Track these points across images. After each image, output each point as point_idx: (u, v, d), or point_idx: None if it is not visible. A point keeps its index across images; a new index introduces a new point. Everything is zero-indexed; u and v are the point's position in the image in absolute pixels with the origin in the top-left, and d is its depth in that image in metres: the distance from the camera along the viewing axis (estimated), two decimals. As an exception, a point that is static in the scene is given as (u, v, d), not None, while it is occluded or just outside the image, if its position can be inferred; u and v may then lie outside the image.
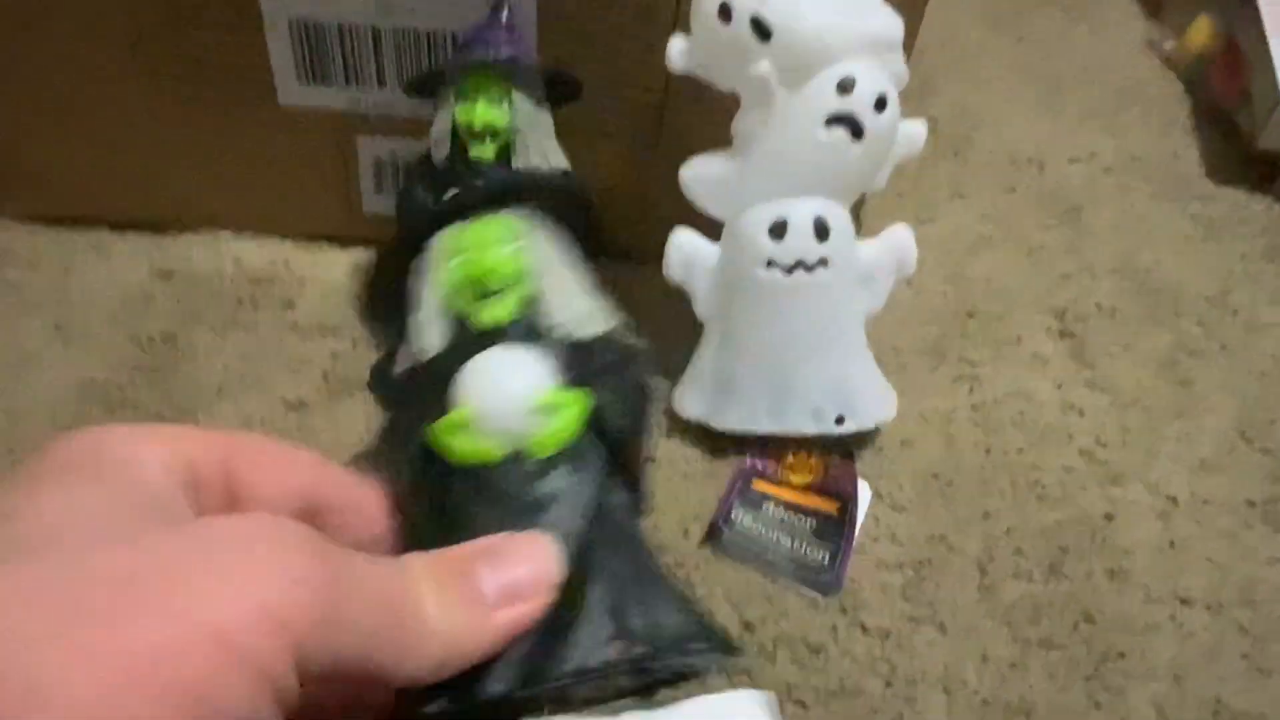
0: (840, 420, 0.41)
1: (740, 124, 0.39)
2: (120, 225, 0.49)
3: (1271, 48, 0.57)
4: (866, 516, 0.40)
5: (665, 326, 0.45)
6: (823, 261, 0.39)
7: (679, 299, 0.42)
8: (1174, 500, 0.42)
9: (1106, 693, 0.36)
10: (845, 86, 0.37)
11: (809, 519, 0.40)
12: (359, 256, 0.49)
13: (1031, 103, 0.62)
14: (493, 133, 0.39)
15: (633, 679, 0.23)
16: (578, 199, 0.29)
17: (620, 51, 0.43)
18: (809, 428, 0.41)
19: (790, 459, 0.41)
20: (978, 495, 0.42)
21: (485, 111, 0.39)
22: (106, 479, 0.20)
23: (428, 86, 0.40)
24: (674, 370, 0.43)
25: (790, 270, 0.39)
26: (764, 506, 0.40)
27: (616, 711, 0.23)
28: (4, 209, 0.49)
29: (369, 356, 0.43)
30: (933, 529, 0.41)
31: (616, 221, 0.46)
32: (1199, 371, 0.48)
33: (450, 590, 0.21)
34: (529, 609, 0.22)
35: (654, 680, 0.24)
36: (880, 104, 0.38)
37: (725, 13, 0.36)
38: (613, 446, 0.26)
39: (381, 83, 0.44)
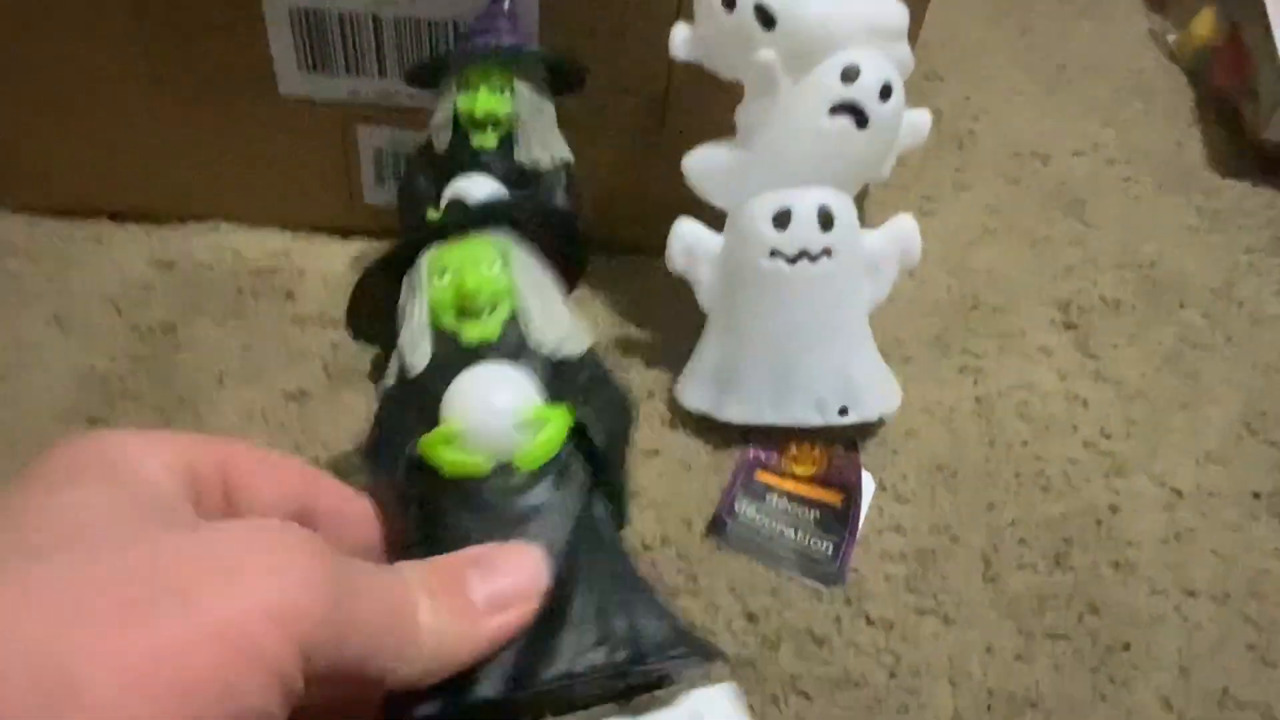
0: (844, 411, 0.40)
1: (744, 113, 0.39)
2: (120, 216, 0.48)
3: (1276, 39, 0.57)
4: (870, 508, 0.40)
5: (668, 318, 0.45)
6: (827, 251, 0.39)
7: (682, 290, 0.42)
8: (1179, 492, 0.42)
9: (1112, 684, 0.36)
10: (850, 74, 0.37)
11: (813, 510, 0.40)
12: (359, 247, 0.48)
13: (1035, 95, 0.62)
14: (494, 121, 0.39)
15: (616, 683, 0.24)
16: (565, 227, 0.30)
17: (623, 40, 0.42)
18: (812, 419, 0.40)
19: (794, 450, 0.41)
20: (982, 487, 0.42)
21: (487, 100, 0.39)
22: (115, 482, 0.20)
23: (429, 75, 0.40)
24: (677, 362, 0.43)
25: (794, 260, 0.39)
26: (767, 498, 0.40)
27: (598, 715, 0.24)
28: (3, 200, 0.49)
29: (369, 349, 0.43)
30: (937, 520, 0.40)
31: (619, 213, 0.46)
32: (1203, 363, 0.47)
33: (442, 597, 0.22)
34: (517, 616, 0.23)
35: (636, 684, 0.24)
36: (885, 92, 0.37)
37: (729, 0, 0.36)
38: (595, 461, 0.27)
39: (382, 72, 0.44)
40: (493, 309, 0.28)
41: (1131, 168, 0.57)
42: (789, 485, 0.41)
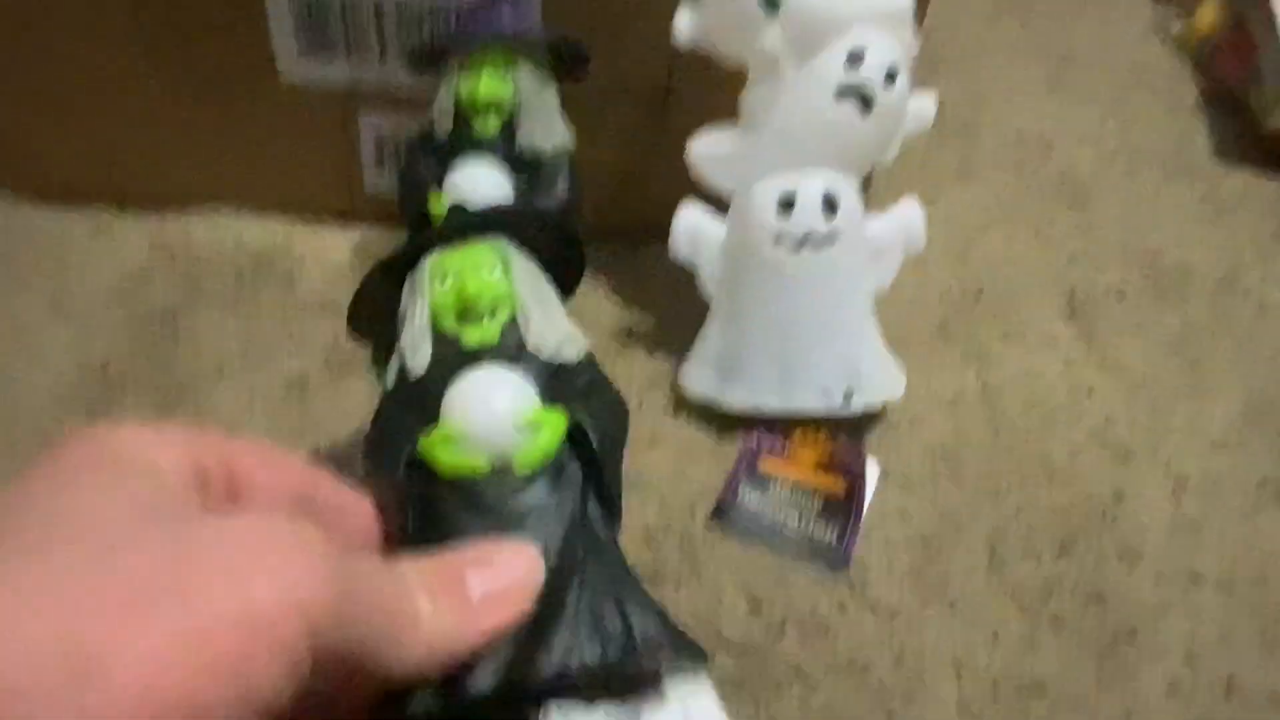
0: (848, 397, 0.40)
1: (748, 98, 0.39)
2: (120, 204, 0.48)
3: (1279, 30, 0.57)
4: (874, 496, 0.40)
5: (671, 306, 0.45)
6: (831, 236, 0.39)
7: (684, 278, 0.41)
8: (1184, 480, 0.42)
9: (1119, 671, 0.36)
10: (855, 58, 0.37)
11: (816, 497, 0.40)
12: (360, 234, 0.48)
13: (1039, 85, 0.61)
14: (496, 106, 0.39)
15: (608, 680, 0.25)
16: (564, 234, 0.31)
17: (626, 26, 0.42)
18: (817, 405, 0.40)
19: (798, 437, 0.41)
20: (987, 474, 0.41)
21: (489, 85, 0.39)
22: (128, 475, 0.21)
23: (430, 59, 0.40)
24: (680, 350, 0.43)
25: (799, 246, 0.39)
26: (771, 485, 0.40)
27: (590, 710, 0.24)
28: (3, 187, 0.48)
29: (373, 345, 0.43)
30: (942, 508, 0.40)
31: (622, 200, 0.46)
32: (1209, 352, 0.47)
33: (441, 593, 0.23)
34: (512, 612, 0.24)
35: (627, 681, 0.25)
36: (891, 76, 0.37)
37: (733, -18, 0.36)
38: (590, 463, 0.28)
39: (383, 58, 0.43)
40: (493, 313, 0.29)
41: (1135, 158, 0.57)
42: (792, 473, 0.40)
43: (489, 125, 0.39)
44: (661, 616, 0.26)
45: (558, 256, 0.32)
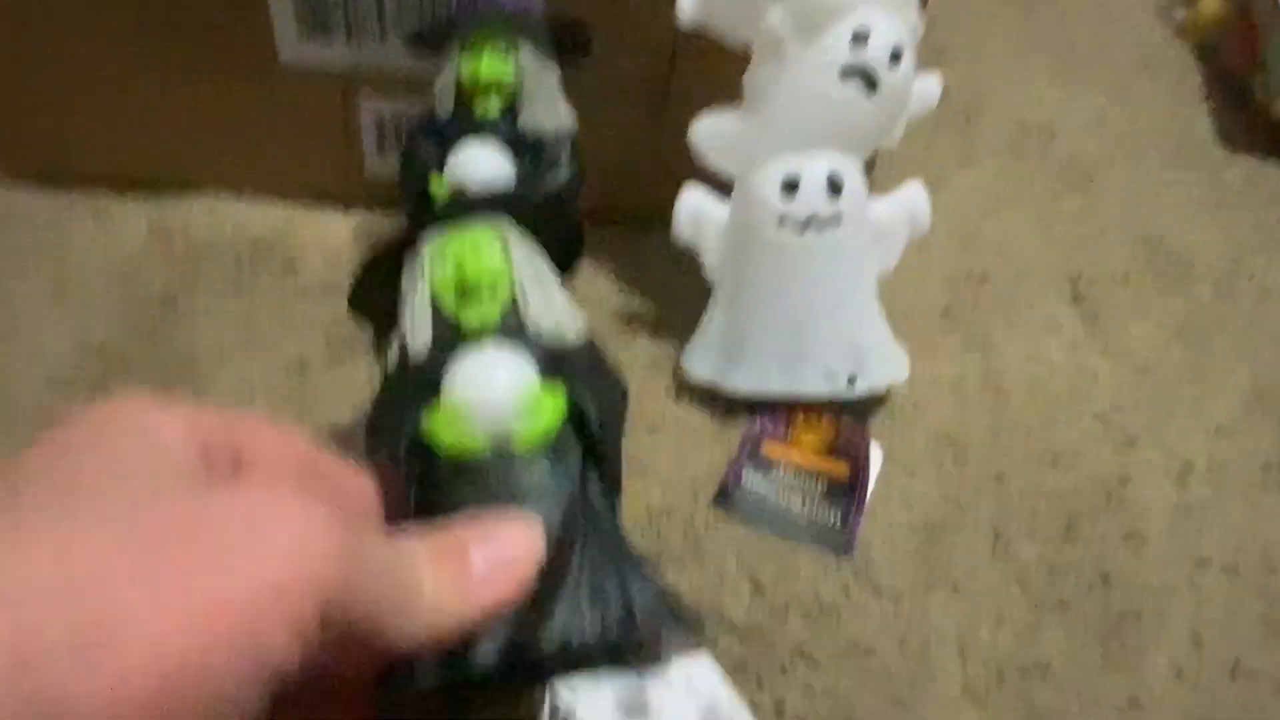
0: (852, 381, 0.40)
1: (751, 78, 0.38)
2: (119, 187, 0.48)
3: (1285, 15, 0.56)
4: (878, 479, 0.40)
5: (674, 289, 0.45)
6: (835, 218, 0.38)
7: (687, 261, 0.41)
8: (1190, 464, 0.42)
9: (1124, 653, 0.36)
10: (860, 37, 0.36)
11: (820, 481, 0.39)
12: (361, 219, 0.48)
13: (1042, 71, 0.61)
14: (497, 86, 0.39)
15: (607, 652, 0.25)
16: (563, 217, 0.31)
17: (628, 7, 0.42)
18: (820, 388, 0.40)
19: (801, 421, 0.41)
20: (991, 458, 0.41)
21: (490, 65, 0.38)
22: (135, 446, 0.21)
23: (431, 40, 0.40)
24: (683, 333, 0.42)
25: (802, 229, 0.38)
26: (774, 469, 0.40)
27: (596, 684, 0.25)
28: (2, 171, 0.48)
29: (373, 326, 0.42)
30: (946, 492, 0.40)
31: (624, 183, 0.46)
32: (1213, 337, 0.47)
33: (443, 566, 0.23)
34: (514, 586, 0.24)
35: (628, 653, 0.25)
36: (895, 56, 0.37)
37: (737, -39, 0.36)
38: (590, 442, 0.28)
39: (384, 39, 0.43)
40: (492, 294, 0.29)
41: (1139, 144, 0.57)
42: (796, 456, 0.40)
43: (490, 106, 0.39)
44: (661, 590, 0.26)
45: (556, 238, 0.32)
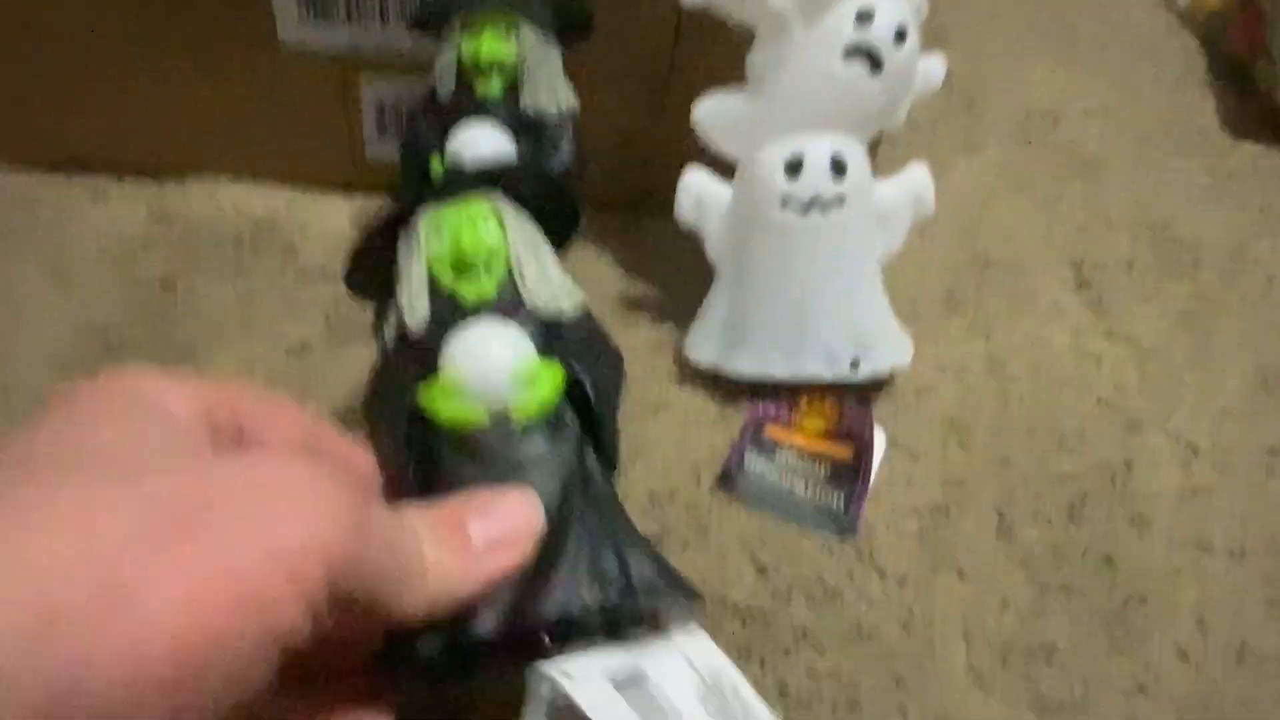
0: (855, 364, 0.40)
1: (755, 58, 0.38)
2: (118, 171, 0.48)
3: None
4: (882, 463, 0.40)
5: (676, 272, 0.44)
6: (839, 199, 0.38)
7: (689, 244, 0.41)
8: (1195, 448, 0.41)
9: (1129, 637, 0.35)
10: (864, 16, 0.36)
11: (823, 464, 0.39)
12: (361, 202, 0.48)
13: (1045, 57, 0.61)
14: (499, 67, 0.38)
15: (606, 623, 0.25)
16: (557, 191, 0.31)
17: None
18: (823, 371, 0.40)
19: (804, 404, 0.41)
20: (995, 442, 0.41)
21: (491, 45, 0.38)
22: (144, 415, 0.21)
23: (432, 19, 0.39)
24: (685, 317, 0.42)
25: (806, 210, 0.38)
26: (777, 453, 0.39)
27: (587, 662, 0.25)
28: (1, 154, 0.48)
29: (371, 303, 0.42)
30: (950, 476, 0.40)
31: (626, 165, 0.46)
32: (1218, 322, 0.47)
33: (444, 539, 0.23)
34: (513, 559, 0.24)
35: (625, 624, 0.26)
36: (900, 35, 0.37)
37: (741, -61, 0.35)
38: (587, 415, 0.29)
39: (385, 21, 0.43)
40: (488, 268, 0.29)
41: (1143, 129, 0.57)
42: (799, 440, 0.40)
43: (492, 86, 0.39)
44: (657, 561, 0.26)
45: (551, 211, 0.32)
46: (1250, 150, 0.56)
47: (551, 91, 0.39)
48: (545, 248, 0.31)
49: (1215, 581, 0.37)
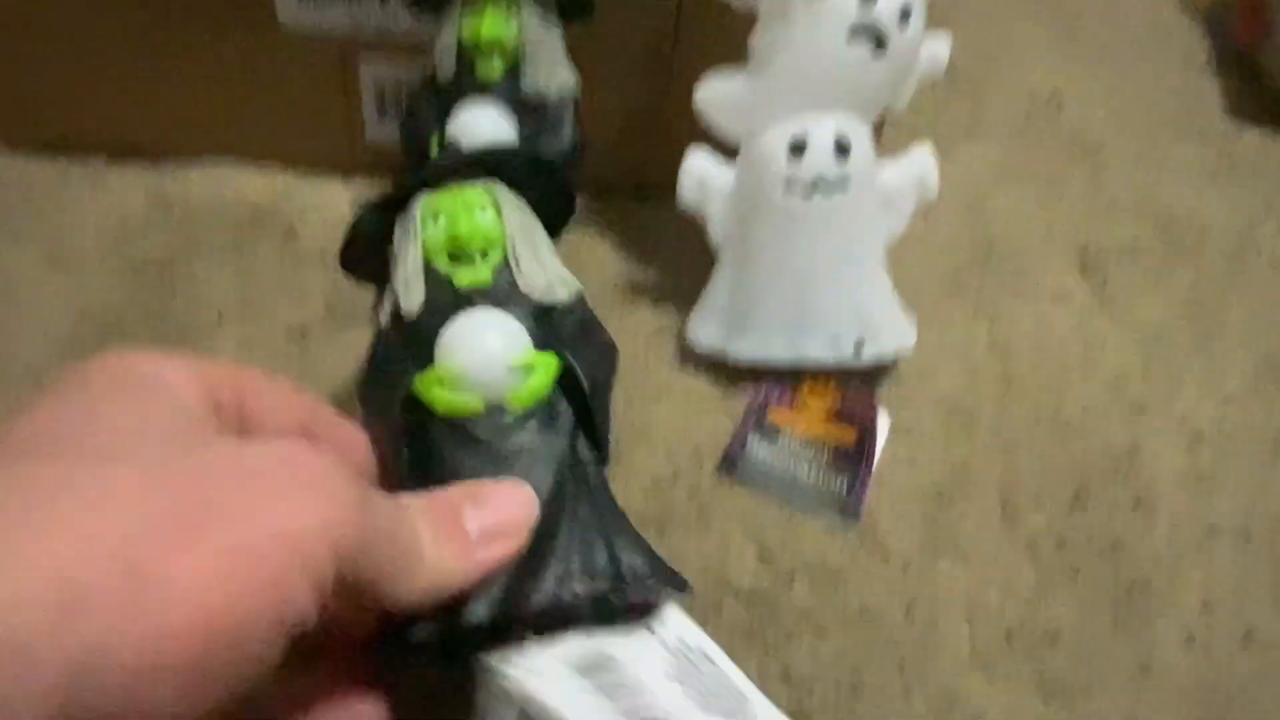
0: (858, 347, 0.39)
1: (758, 39, 0.38)
2: (117, 154, 0.47)
3: (1295, -14, 0.56)
4: (885, 446, 0.39)
5: (678, 256, 0.44)
6: (843, 181, 0.38)
7: (691, 228, 0.40)
8: (1199, 433, 0.41)
9: (1134, 622, 0.35)
10: (869, -5, 0.36)
11: (826, 448, 0.39)
12: (362, 186, 0.47)
13: (1049, 43, 0.60)
14: (500, 48, 0.38)
15: (595, 613, 0.26)
16: (553, 177, 0.31)
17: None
18: (827, 355, 0.40)
19: (807, 388, 0.40)
20: (999, 427, 0.41)
21: (492, 25, 0.38)
22: (151, 396, 0.21)
23: (433, 2, 0.39)
24: (687, 301, 0.42)
25: (809, 192, 0.38)
26: (780, 436, 0.39)
27: (544, 654, 0.25)
28: (-2, 137, 0.48)
29: (370, 287, 0.42)
30: (953, 460, 0.39)
31: (627, 148, 0.45)
32: (1222, 308, 0.46)
33: (441, 528, 0.23)
34: (507, 547, 0.24)
35: (616, 612, 0.26)
36: (904, 15, 0.36)
37: (744, -83, 0.35)
38: (581, 404, 0.28)
39: (384, 1, 0.42)
40: (484, 255, 0.29)
41: (1147, 115, 0.56)
42: (802, 424, 0.40)
43: (493, 67, 0.38)
44: (647, 551, 0.27)
45: (547, 198, 0.32)
46: (1254, 137, 0.56)
47: (552, 72, 0.39)
48: (541, 235, 0.31)
49: (1220, 565, 0.37)
